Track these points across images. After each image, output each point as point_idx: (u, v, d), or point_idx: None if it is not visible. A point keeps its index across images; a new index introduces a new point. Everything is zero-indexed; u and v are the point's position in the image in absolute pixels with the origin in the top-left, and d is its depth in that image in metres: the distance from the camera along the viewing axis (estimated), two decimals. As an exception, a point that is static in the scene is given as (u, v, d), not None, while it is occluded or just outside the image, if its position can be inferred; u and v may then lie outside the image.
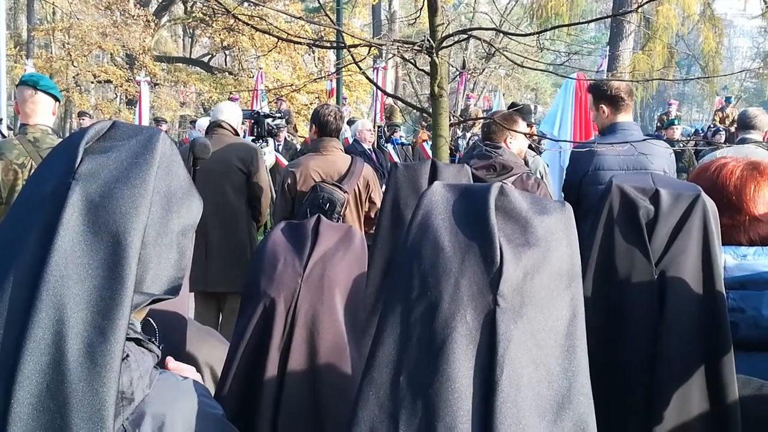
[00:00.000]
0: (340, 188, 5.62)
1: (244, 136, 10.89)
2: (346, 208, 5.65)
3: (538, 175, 6.40)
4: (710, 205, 1.70)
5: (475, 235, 1.15)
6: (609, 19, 18.60)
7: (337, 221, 5.42)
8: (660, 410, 1.62)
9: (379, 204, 5.91)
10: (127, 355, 1.26)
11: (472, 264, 1.13)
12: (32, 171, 4.49)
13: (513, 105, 8.19)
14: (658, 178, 1.80)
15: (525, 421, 1.09)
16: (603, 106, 5.06)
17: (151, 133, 1.35)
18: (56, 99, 4.90)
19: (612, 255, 1.70)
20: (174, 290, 1.35)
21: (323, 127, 5.89)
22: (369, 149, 11.35)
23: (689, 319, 1.64)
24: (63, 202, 1.21)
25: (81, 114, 20.06)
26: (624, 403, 1.67)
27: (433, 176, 2.33)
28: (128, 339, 1.27)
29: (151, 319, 1.41)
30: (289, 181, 5.75)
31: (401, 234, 1.25)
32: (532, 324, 1.12)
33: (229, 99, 17.27)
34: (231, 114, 6.07)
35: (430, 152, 10.00)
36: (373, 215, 5.93)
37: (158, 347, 1.37)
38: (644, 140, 4.75)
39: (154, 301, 1.32)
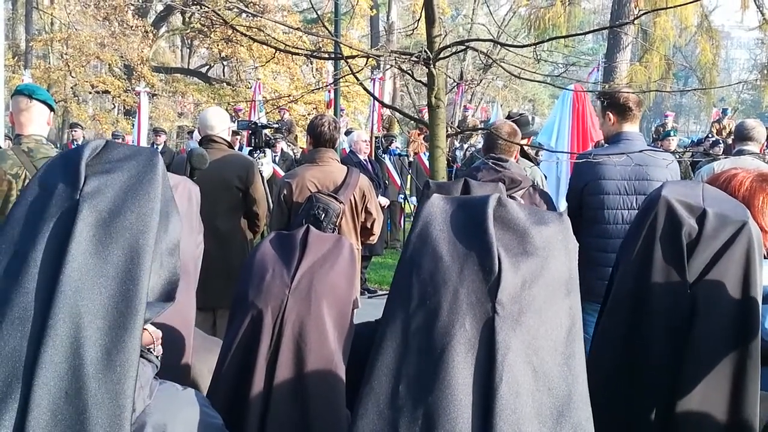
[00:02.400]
0: (336, 199, 5.59)
1: (240, 148, 10.89)
2: (341, 218, 5.63)
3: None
4: (756, 233, 1.68)
5: (474, 244, 1.17)
6: (606, 30, 18.67)
7: (333, 232, 5.41)
8: (679, 428, 1.61)
9: (375, 214, 5.89)
10: None
11: (471, 273, 1.15)
12: (26, 181, 4.46)
13: (510, 116, 8.18)
14: (709, 193, 1.76)
15: (524, 427, 1.11)
16: (610, 113, 5.05)
17: (150, 154, 1.39)
18: (51, 109, 4.88)
19: (649, 267, 1.70)
20: (172, 292, 1.37)
21: (317, 137, 5.87)
22: (365, 160, 11.36)
23: (717, 345, 1.64)
24: (73, 217, 1.25)
25: (73, 125, 19.89)
26: (643, 415, 1.68)
27: (466, 194, 2.31)
28: None
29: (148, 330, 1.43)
30: (285, 192, 5.73)
31: None
32: (530, 332, 1.14)
33: (234, 111, 17.29)
34: (221, 126, 5.99)
35: (427, 163, 10.01)
36: (369, 225, 5.91)
37: (157, 358, 1.39)
38: (643, 151, 4.73)
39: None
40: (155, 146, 18.03)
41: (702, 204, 1.72)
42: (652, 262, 1.69)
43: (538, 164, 7.98)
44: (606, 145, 5.44)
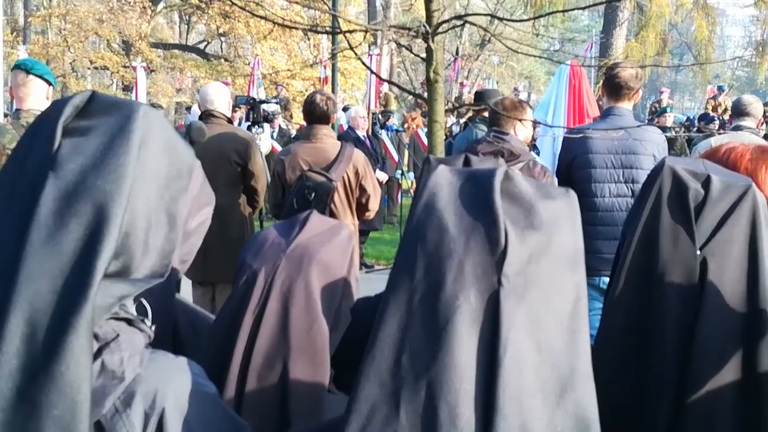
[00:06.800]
0: (327, 177, 5.56)
1: (239, 124, 10.89)
2: (334, 196, 5.60)
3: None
4: (761, 198, 1.67)
5: (480, 217, 1.15)
6: (603, 6, 18.58)
7: (324, 212, 5.38)
8: (692, 393, 1.61)
9: (370, 191, 5.85)
10: (118, 335, 1.27)
11: (477, 245, 1.14)
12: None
13: (477, 94, 8.14)
14: (709, 165, 1.76)
15: (527, 401, 1.10)
16: (604, 89, 5.07)
17: (128, 113, 1.29)
18: (50, 83, 4.88)
19: (657, 232, 1.67)
20: (163, 268, 1.34)
21: (309, 113, 5.85)
22: (363, 135, 11.37)
23: (729, 306, 1.62)
24: (39, 194, 1.20)
25: None
26: (655, 382, 1.66)
27: None
28: (119, 319, 1.29)
29: (143, 300, 1.40)
30: (279, 169, 5.74)
31: None
32: (535, 305, 1.13)
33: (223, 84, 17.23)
34: (221, 100, 5.99)
35: (425, 139, 10.03)
36: (364, 201, 5.87)
37: (150, 328, 1.36)
38: (638, 126, 4.75)
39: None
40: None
41: (705, 171, 1.70)
42: (660, 226, 1.67)
43: (534, 140, 8.01)
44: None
